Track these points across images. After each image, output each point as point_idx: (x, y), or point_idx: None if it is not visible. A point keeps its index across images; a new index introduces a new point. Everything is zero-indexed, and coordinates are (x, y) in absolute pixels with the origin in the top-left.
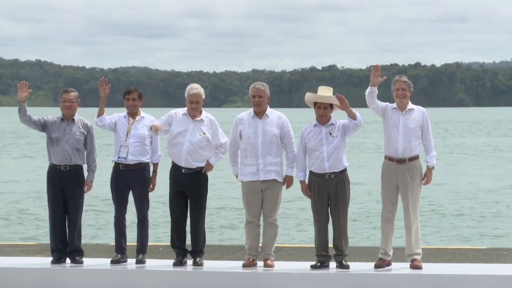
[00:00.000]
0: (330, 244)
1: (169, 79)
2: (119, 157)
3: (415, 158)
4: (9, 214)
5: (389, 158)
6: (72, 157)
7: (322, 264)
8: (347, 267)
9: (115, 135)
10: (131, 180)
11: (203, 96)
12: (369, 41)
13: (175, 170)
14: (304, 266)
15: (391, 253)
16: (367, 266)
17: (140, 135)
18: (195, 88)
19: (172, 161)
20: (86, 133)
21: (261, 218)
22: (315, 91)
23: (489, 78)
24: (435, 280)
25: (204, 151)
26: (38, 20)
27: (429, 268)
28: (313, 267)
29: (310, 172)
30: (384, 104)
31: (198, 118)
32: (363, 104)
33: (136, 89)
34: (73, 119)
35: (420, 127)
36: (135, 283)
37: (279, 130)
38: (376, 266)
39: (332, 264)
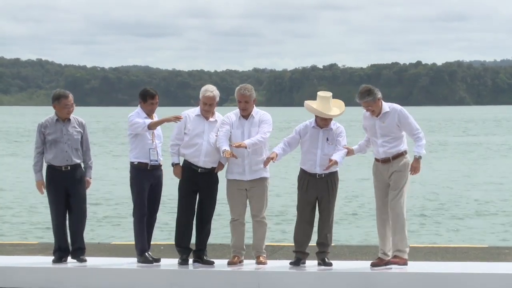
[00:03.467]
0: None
1: (170, 78)
2: (151, 160)
3: (400, 155)
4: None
5: (375, 160)
6: (72, 157)
7: (299, 261)
8: (329, 264)
9: (140, 137)
10: (155, 178)
11: (217, 99)
12: (369, 40)
13: (190, 170)
14: (306, 264)
15: (390, 253)
16: (368, 265)
17: (160, 135)
18: (211, 90)
19: (186, 161)
20: (82, 132)
21: (247, 216)
22: (317, 90)
23: (490, 77)
24: (437, 278)
25: (218, 152)
26: (38, 19)
27: (430, 266)
28: (292, 264)
29: (301, 169)
30: (365, 127)
31: (212, 119)
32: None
33: (156, 91)
34: (69, 119)
35: (397, 127)
36: (137, 282)
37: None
38: (373, 265)
39: (314, 262)
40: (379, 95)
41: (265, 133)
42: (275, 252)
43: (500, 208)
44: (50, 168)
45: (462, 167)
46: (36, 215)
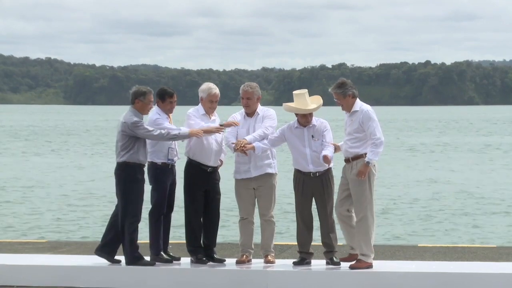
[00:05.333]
0: (314, 242)
1: (179, 77)
2: (168, 159)
3: (360, 157)
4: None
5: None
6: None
7: (303, 260)
8: (338, 263)
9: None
10: (172, 177)
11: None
12: (378, 40)
13: (199, 169)
14: (314, 263)
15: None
16: (379, 265)
17: None
18: (215, 88)
19: (194, 161)
20: None
21: (256, 214)
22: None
23: (499, 77)
24: (445, 278)
25: (222, 149)
26: (47, 18)
27: (439, 266)
28: (295, 263)
29: (295, 169)
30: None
31: (213, 117)
32: (372, 102)
33: (174, 90)
34: None
35: (361, 128)
36: (146, 281)
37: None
38: (344, 260)
39: (323, 262)
40: (351, 92)
41: (267, 128)
42: (283, 251)
43: (510, 208)
44: (136, 166)
45: (471, 166)
46: (42, 213)
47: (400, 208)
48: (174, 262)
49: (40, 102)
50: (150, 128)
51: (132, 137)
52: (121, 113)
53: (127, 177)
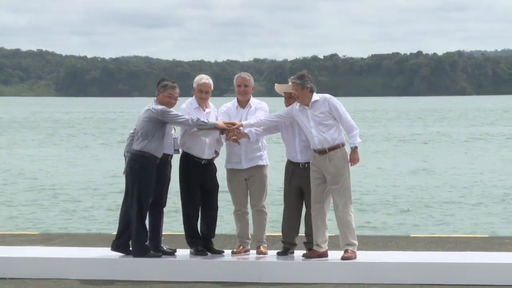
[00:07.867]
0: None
1: (170, 68)
2: (175, 150)
3: (336, 147)
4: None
5: (313, 151)
6: None
7: (287, 251)
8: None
9: (166, 129)
10: (170, 168)
11: (212, 87)
12: (369, 30)
13: (194, 162)
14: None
15: (324, 245)
16: (371, 255)
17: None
18: (206, 78)
19: (189, 154)
20: None
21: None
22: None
23: (491, 67)
24: (438, 268)
25: (216, 141)
26: (39, 10)
27: (431, 256)
28: (279, 254)
29: (287, 159)
30: (287, 110)
31: (208, 110)
32: (363, 93)
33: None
34: None
35: (329, 115)
36: (139, 272)
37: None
38: (306, 256)
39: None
40: (309, 85)
41: (258, 118)
42: (275, 243)
43: (503, 198)
44: (151, 157)
45: (463, 156)
46: (35, 205)
47: (392, 198)
48: (169, 254)
49: (31, 94)
50: (180, 114)
51: (156, 125)
52: (113, 104)
53: (140, 167)
